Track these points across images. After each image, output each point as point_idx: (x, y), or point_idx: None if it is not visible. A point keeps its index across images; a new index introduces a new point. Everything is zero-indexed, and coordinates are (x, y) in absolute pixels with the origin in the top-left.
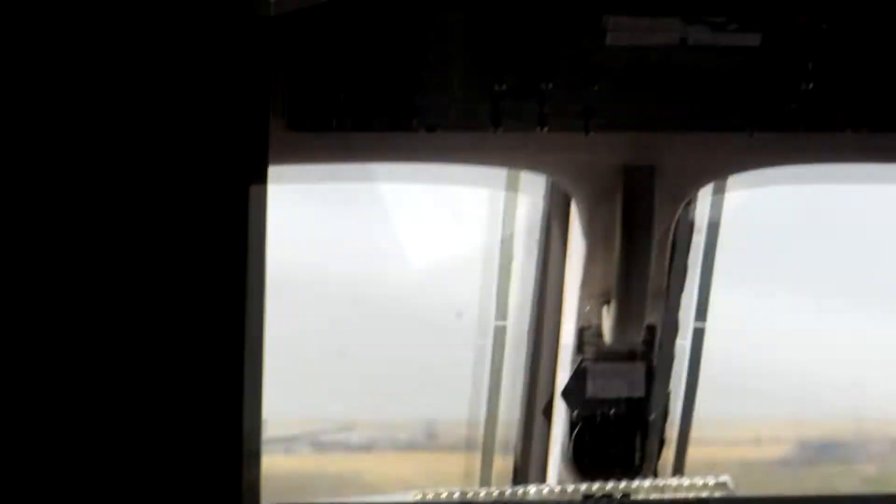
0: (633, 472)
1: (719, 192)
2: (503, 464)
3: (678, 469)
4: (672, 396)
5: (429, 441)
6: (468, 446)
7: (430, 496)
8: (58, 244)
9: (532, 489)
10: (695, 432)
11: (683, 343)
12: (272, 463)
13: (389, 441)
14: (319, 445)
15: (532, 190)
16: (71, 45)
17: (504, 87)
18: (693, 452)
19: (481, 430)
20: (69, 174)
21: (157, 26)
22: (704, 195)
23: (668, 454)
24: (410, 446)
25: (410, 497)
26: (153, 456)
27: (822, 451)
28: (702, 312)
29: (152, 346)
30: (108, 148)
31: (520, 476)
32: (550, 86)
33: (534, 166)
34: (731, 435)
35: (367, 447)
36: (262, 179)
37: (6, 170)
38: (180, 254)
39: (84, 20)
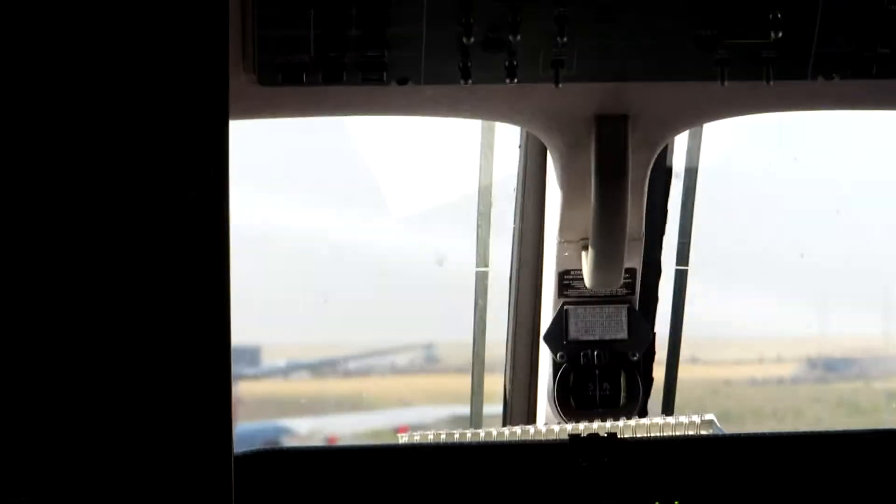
0: (618, 412)
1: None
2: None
3: (667, 408)
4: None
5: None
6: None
7: (416, 439)
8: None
9: (518, 430)
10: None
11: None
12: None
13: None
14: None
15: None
16: None
17: (472, 40)
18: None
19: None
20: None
21: None
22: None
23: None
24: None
25: (399, 440)
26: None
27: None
28: (683, 256)
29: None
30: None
31: (507, 420)
32: (518, 38)
33: (507, 118)
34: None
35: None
36: (222, 134)
37: None
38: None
39: None
